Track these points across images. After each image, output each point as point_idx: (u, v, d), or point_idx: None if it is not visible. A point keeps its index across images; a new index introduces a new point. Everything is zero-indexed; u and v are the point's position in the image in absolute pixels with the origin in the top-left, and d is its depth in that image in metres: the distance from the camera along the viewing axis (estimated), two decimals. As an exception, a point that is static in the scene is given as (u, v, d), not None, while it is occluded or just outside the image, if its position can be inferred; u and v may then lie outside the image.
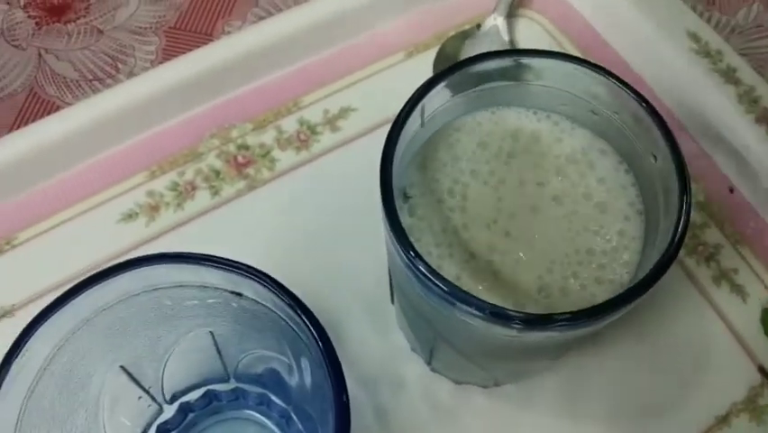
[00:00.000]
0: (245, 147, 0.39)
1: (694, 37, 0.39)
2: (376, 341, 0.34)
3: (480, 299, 0.21)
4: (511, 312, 0.21)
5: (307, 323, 0.22)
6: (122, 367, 0.26)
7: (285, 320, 0.23)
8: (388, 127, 0.24)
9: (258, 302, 0.23)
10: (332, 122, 0.40)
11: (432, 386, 0.33)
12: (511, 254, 0.25)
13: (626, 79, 0.25)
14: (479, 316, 0.22)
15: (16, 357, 0.21)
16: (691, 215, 0.24)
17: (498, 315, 0.21)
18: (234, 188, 0.38)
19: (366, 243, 0.33)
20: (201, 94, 0.40)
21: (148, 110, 0.38)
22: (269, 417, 0.30)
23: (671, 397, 0.33)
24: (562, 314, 0.21)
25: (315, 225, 0.36)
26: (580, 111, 0.27)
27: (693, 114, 0.39)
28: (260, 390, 0.30)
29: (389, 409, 0.33)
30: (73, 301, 0.22)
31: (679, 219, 0.23)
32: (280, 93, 0.41)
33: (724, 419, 0.33)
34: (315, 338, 0.21)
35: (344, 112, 0.40)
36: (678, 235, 0.23)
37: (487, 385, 0.33)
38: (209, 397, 0.30)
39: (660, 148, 0.24)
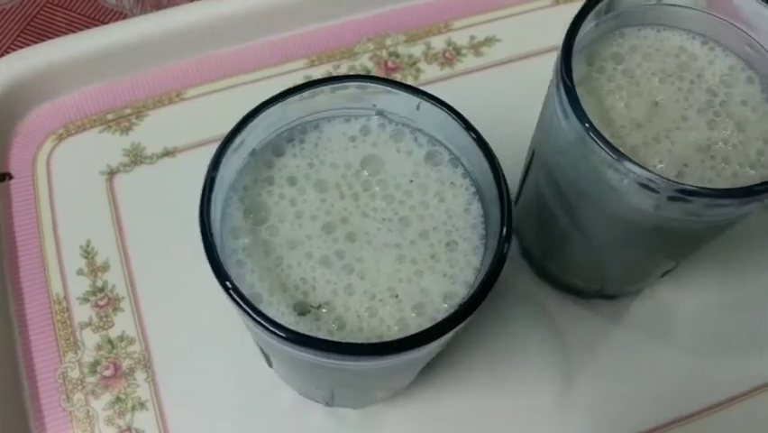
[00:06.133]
0: (396, 55, 0.43)
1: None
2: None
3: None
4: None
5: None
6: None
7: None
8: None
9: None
10: (476, 47, 0.43)
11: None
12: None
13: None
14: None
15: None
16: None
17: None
18: (381, 88, 0.41)
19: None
20: (364, 3, 0.44)
21: (318, 7, 0.43)
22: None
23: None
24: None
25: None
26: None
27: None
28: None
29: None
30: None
31: None
32: (434, 14, 0.44)
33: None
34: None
35: (489, 41, 0.43)
36: None
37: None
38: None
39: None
